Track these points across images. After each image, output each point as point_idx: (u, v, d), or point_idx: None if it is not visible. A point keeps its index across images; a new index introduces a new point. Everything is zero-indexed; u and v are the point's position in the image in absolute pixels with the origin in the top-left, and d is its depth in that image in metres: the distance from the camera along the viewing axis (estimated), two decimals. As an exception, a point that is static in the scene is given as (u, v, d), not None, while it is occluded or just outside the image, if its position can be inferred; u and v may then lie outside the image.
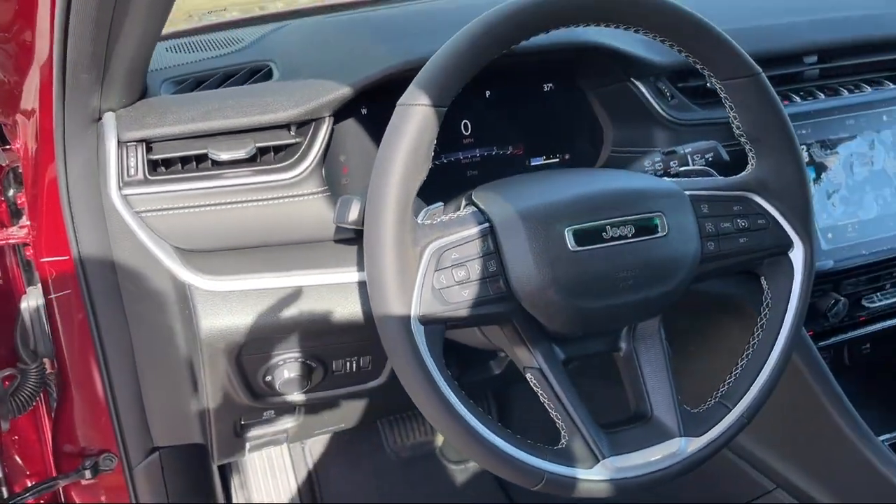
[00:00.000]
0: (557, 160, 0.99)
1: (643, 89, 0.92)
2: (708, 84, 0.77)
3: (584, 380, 0.98)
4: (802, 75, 1.03)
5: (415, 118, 0.62)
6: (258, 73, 0.89)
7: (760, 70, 0.73)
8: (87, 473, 0.95)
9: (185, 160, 0.78)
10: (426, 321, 0.63)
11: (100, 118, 0.79)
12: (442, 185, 0.89)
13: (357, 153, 0.88)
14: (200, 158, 0.79)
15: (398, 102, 0.64)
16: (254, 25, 1.12)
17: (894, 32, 1.08)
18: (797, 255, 0.76)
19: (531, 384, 0.70)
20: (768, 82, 0.73)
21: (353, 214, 0.71)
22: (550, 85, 0.97)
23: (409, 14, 1.06)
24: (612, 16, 0.69)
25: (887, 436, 0.93)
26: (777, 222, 0.76)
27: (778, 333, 0.75)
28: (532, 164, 0.98)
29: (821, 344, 0.99)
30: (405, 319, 0.62)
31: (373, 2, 1.25)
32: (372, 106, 0.87)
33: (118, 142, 0.76)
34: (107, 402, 0.87)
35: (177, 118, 0.77)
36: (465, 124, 0.94)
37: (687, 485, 0.79)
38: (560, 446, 0.68)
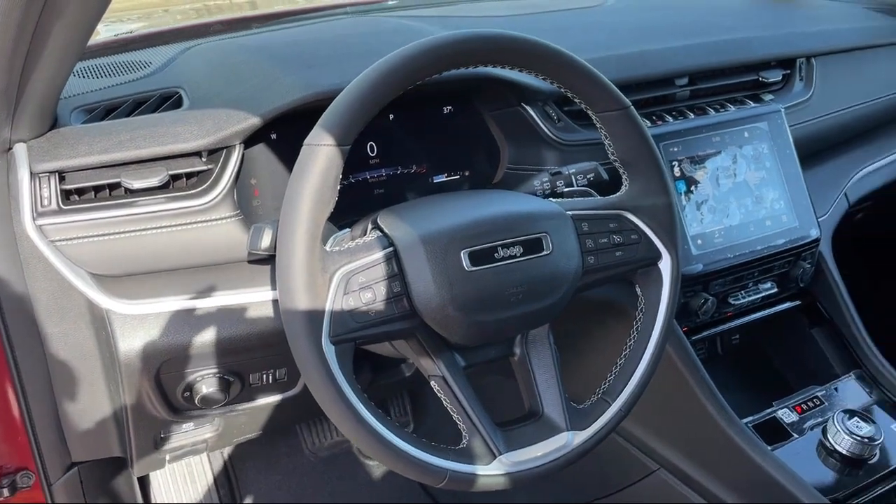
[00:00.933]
0: (458, 177, 1.06)
1: (532, 113, 1.01)
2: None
3: (493, 377, 1.07)
4: (675, 96, 1.14)
5: (320, 157, 0.68)
6: (168, 101, 0.92)
7: (629, 104, 0.82)
8: (5, 492, 0.95)
9: (98, 189, 0.81)
10: (337, 341, 0.69)
11: (10, 148, 0.80)
12: (351, 202, 0.96)
13: (267, 176, 0.92)
14: (114, 186, 0.82)
15: (305, 142, 0.70)
16: (160, 45, 1.14)
17: (754, 56, 1.21)
18: (665, 266, 0.86)
19: (435, 390, 0.78)
20: (636, 114, 0.83)
21: (266, 242, 0.76)
22: (450, 108, 1.04)
23: (316, 41, 1.10)
24: (501, 59, 0.77)
25: (750, 418, 1.06)
26: (647, 237, 0.85)
27: (650, 335, 0.85)
28: (435, 181, 1.05)
29: (694, 338, 1.11)
30: (316, 341, 0.67)
31: (275, 19, 1.29)
32: (281, 131, 0.92)
33: (31, 173, 0.78)
34: (23, 420, 0.88)
35: (89, 149, 0.80)
36: (371, 146, 1.00)
37: (581, 468, 0.88)
38: (461, 446, 0.76)
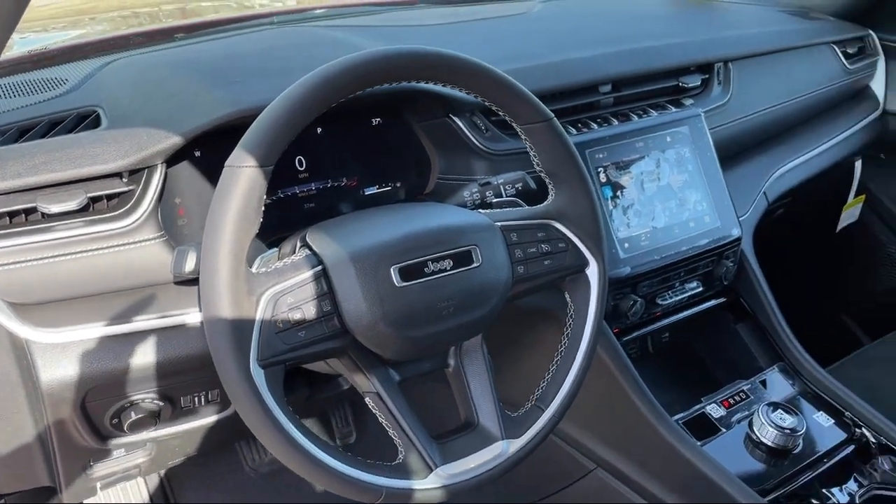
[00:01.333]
0: (390, 188, 1.06)
1: (460, 124, 1.02)
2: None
3: (433, 384, 1.08)
4: (599, 103, 1.16)
5: (242, 179, 0.67)
6: (86, 120, 0.89)
7: (552, 116, 0.84)
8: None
9: (13, 214, 0.78)
10: (265, 364, 0.68)
11: None
12: (281, 218, 0.95)
13: (193, 195, 0.90)
14: (30, 211, 0.79)
15: (226, 163, 0.69)
16: (78, 60, 1.10)
17: (674, 62, 1.25)
18: (593, 272, 0.88)
19: (370, 406, 0.78)
20: (559, 125, 0.84)
21: (190, 265, 0.74)
22: (379, 119, 1.04)
23: (241, 54, 1.09)
24: (427, 75, 0.78)
25: (680, 415, 1.09)
26: (575, 245, 0.87)
27: (580, 341, 0.87)
28: (366, 193, 1.05)
29: (625, 339, 1.14)
30: (244, 366, 0.67)
31: (199, 30, 1.27)
32: (206, 149, 0.90)
33: None
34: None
35: (2, 173, 0.77)
36: (300, 160, 0.99)
37: (520, 471, 0.89)
38: (398, 461, 0.76)
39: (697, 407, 1.11)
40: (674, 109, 1.21)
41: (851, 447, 1.08)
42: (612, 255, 1.07)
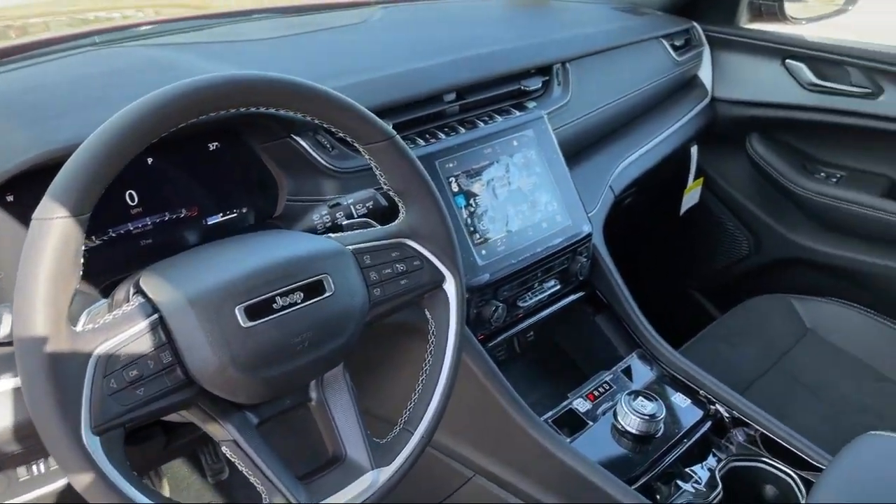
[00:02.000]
0: (235, 215, 1.01)
1: (304, 143, 0.98)
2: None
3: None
4: (445, 112, 1.16)
5: (53, 233, 0.61)
6: None
7: (394, 133, 0.82)
8: None
9: None
10: (100, 431, 0.62)
11: None
12: (114, 260, 0.88)
13: (7, 245, 0.82)
14: None
15: (33, 216, 0.62)
16: None
17: (515, 66, 1.27)
18: (450, 287, 0.88)
19: (228, 455, 0.73)
20: (402, 143, 0.83)
21: (4, 330, 0.67)
22: (216, 144, 0.99)
23: (53, 84, 0.99)
24: (258, 101, 0.73)
25: (549, 413, 1.11)
26: (430, 261, 0.86)
27: (443, 358, 0.86)
28: (209, 223, 0.99)
29: (491, 344, 1.15)
30: (75, 437, 0.60)
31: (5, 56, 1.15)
32: (18, 193, 0.82)
33: None
34: None
35: None
36: (131, 194, 0.92)
37: (399, 489, 0.87)
38: None
39: (565, 403, 1.14)
40: (518, 113, 1.23)
41: (708, 424, 1.14)
42: (470, 263, 1.07)
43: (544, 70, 1.34)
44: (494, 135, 1.16)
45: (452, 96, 1.17)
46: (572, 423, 1.11)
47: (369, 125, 0.81)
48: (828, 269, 1.77)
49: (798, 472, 1.06)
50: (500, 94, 1.24)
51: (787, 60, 1.70)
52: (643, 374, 1.22)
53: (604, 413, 1.12)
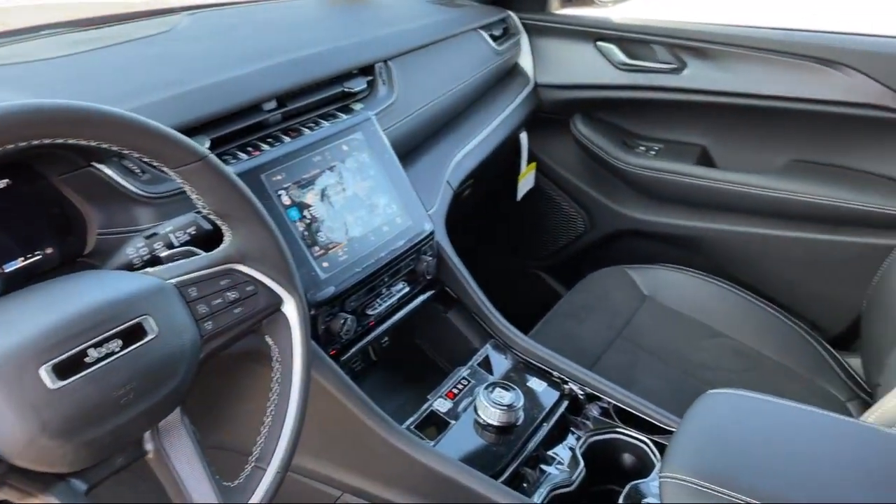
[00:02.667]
0: (39, 258, 0.90)
1: (108, 171, 0.89)
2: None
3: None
4: (267, 122, 1.10)
5: None
6: None
7: (207, 152, 0.76)
8: None
9: None
10: None
11: None
12: None
13: None
14: None
15: None
16: None
17: (336, 68, 1.23)
18: (289, 308, 0.83)
19: None
20: (216, 160, 0.77)
21: None
22: (7, 181, 0.87)
23: None
24: (45, 133, 0.64)
25: (411, 419, 1.09)
26: (264, 285, 0.81)
27: (290, 385, 0.82)
28: (7, 270, 0.87)
29: (345, 357, 1.11)
30: None
31: None
32: None
33: None
34: None
35: None
36: None
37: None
38: None
39: (425, 406, 1.12)
40: (344, 117, 1.20)
41: (565, 404, 1.17)
42: (312, 277, 1.02)
43: (367, 70, 1.31)
44: (322, 141, 1.11)
45: (273, 104, 1.11)
46: (435, 426, 1.09)
47: (176, 146, 0.74)
48: (657, 237, 1.89)
49: (651, 437, 1.11)
50: (323, 98, 1.20)
51: (599, 42, 1.78)
52: (500, 363, 1.23)
53: (465, 410, 1.12)
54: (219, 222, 0.80)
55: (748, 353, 1.45)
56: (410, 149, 1.38)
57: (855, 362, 1.46)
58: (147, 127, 0.72)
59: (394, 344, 1.28)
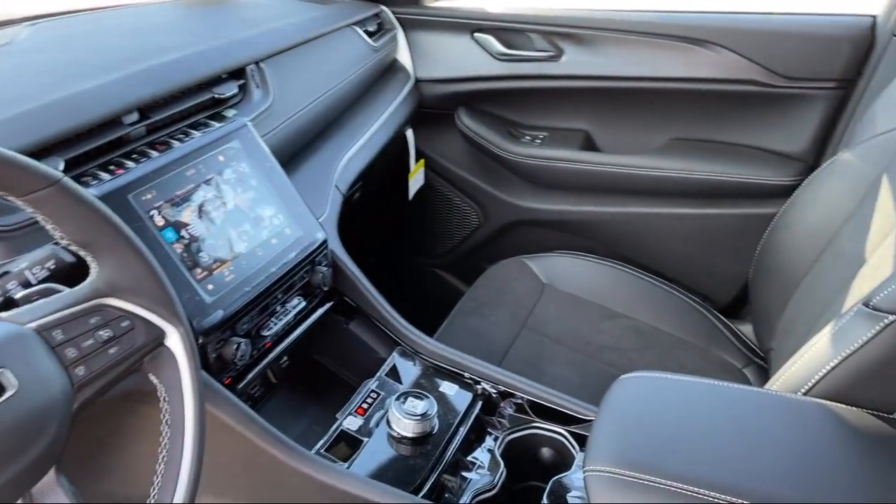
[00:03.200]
0: None
1: None
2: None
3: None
4: (130, 136, 1.00)
5: None
6: None
7: (60, 175, 0.66)
8: None
9: None
10: None
11: None
12: None
13: None
14: None
15: None
16: None
17: (202, 73, 1.14)
18: (173, 341, 0.75)
19: None
20: (73, 184, 0.68)
21: None
22: None
23: None
24: None
25: (321, 443, 1.02)
26: (142, 318, 0.72)
27: (183, 424, 0.74)
28: None
29: (241, 384, 1.03)
30: None
31: None
32: None
33: None
34: None
35: None
36: None
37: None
38: None
39: (335, 426, 1.05)
40: (217, 125, 1.11)
41: (479, 405, 1.13)
42: (197, 302, 0.94)
43: (238, 73, 1.22)
44: (195, 153, 1.02)
45: (134, 117, 1.01)
46: (347, 445, 1.03)
47: (23, 171, 0.64)
48: (551, 224, 1.90)
49: (567, 428, 1.10)
50: (192, 106, 1.10)
51: (476, 34, 1.76)
52: (408, 371, 1.18)
53: (377, 424, 1.06)
54: (82, 253, 0.71)
55: (647, 330, 1.47)
56: (293, 154, 1.30)
57: (747, 329, 1.51)
58: None
59: (294, 363, 1.20)
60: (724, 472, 0.71)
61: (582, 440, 1.07)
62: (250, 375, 1.05)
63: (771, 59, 1.54)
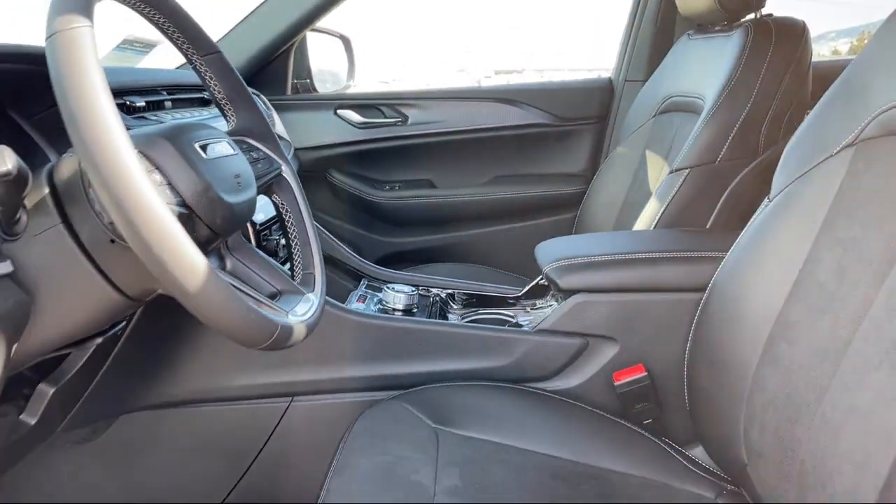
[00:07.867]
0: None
1: None
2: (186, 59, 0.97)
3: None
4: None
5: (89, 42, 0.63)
6: None
7: (220, 48, 1.00)
8: None
9: None
10: None
11: None
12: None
13: None
14: None
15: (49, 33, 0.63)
16: None
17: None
18: (287, 173, 1.08)
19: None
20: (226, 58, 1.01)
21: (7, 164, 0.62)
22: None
23: None
24: None
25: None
26: (266, 153, 1.05)
27: (304, 221, 1.06)
28: None
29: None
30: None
31: None
32: None
33: None
34: None
35: None
36: None
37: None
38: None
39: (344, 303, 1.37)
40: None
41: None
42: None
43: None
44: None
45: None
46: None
47: (205, 38, 0.98)
48: (415, 252, 2.35)
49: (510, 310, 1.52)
50: None
51: (338, 110, 2.26)
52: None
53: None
54: (227, 106, 1.03)
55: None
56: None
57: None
58: (188, 14, 0.94)
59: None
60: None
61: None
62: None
63: (553, 107, 2.26)
